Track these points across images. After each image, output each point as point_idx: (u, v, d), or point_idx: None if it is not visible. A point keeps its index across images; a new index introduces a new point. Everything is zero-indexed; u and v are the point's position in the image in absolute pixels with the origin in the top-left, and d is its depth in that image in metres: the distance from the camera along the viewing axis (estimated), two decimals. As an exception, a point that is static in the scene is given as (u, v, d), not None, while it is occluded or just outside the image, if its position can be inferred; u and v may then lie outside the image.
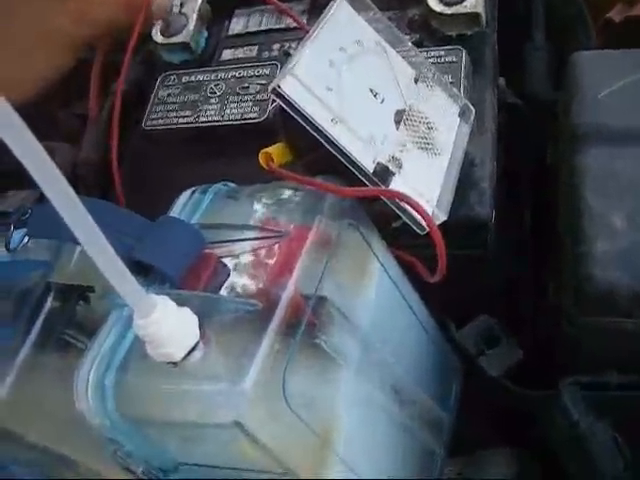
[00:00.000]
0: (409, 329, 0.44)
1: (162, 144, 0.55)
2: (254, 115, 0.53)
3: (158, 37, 0.58)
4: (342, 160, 0.39)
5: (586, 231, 0.43)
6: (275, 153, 0.41)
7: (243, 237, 0.38)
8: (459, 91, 0.49)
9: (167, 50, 0.58)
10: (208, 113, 0.54)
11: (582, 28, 0.57)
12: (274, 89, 0.38)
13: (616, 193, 0.44)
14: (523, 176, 0.56)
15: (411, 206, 0.37)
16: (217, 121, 0.53)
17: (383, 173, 0.39)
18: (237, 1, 0.61)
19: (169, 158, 0.54)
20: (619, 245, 0.42)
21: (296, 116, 0.38)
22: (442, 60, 0.51)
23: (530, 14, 0.59)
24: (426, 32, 0.53)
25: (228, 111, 0.53)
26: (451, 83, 0.49)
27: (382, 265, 0.41)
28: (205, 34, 0.59)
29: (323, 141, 0.39)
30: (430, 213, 0.39)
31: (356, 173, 0.39)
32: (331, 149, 0.39)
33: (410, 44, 0.46)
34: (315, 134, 0.39)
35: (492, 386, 0.50)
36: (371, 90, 0.42)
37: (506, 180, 0.53)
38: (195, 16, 0.58)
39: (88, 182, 0.59)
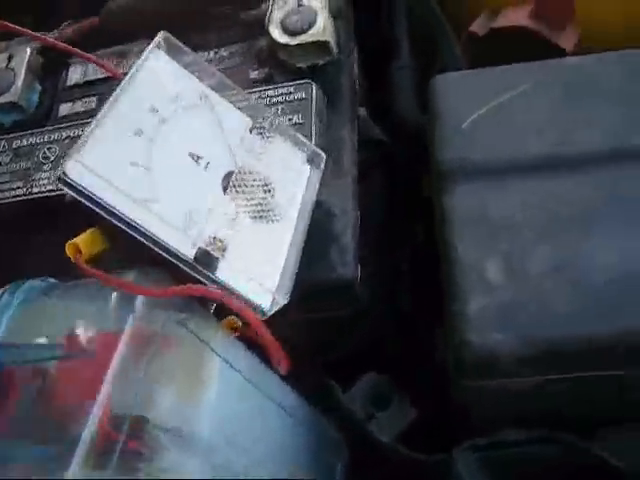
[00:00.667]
0: (266, 418, 0.39)
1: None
2: (89, 181, 0.46)
3: (-17, 98, 0.51)
4: (155, 249, 0.33)
5: (459, 285, 0.38)
6: (84, 243, 0.35)
7: (46, 356, 0.33)
8: (310, 132, 0.43)
9: (-5, 111, 0.52)
10: (41, 182, 0.47)
11: (445, 44, 0.51)
12: (60, 177, 0.32)
13: (488, 237, 0.39)
14: (398, 212, 0.50)
15: (232, 307, 0.32)
16: (51, 191, 0.47)
17: (206, 259, 0.34)
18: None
19: (3, 238, 0.48)
20: (496, 300, 0.37)
21: (91, 205, 0.33)
22: (291, 98, 0.45)
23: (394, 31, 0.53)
24: (275, 65, 0.48)
25: (63, 178, 0.47)
26: (300, 124, 0.44)
27: (224, 359, 0.35)
28: (38, 89, 0.53)
29: (128, 230, 0.33)
30: (267, 300, 0.34)
31: (175, 262, 0.34)
32: (139, 237, 0.33)
33: (241, 90, 0.41)
34: (117, 223, 0.33)
35: (384, 452, 0.45)
36: (192, 155, 0.37)
37: (381, 218, 0.48)
38: (24, 70, 0.52)
39: None
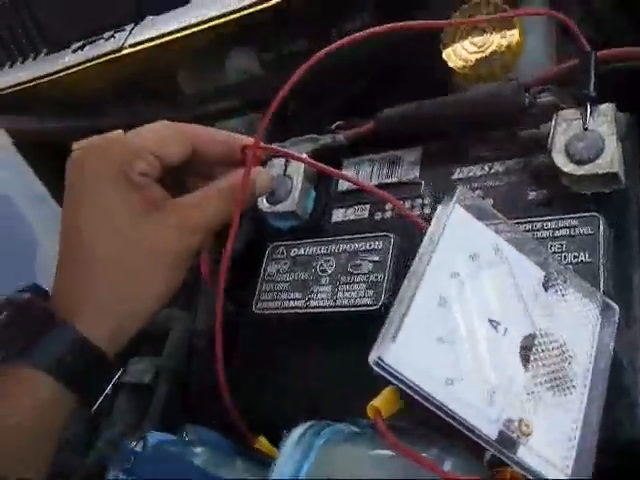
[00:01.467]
0: None
1: (272, 330, 0.51)
2: (368, 301, 0.47)
3: (264, 204, 0.55)
4: (455, 425, 0.34)
5: None
6: (384, 404, 0.36)
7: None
8: (598, 274, 0.42)
9: (274, 217, 0.55)
10: (319, 296, 0.50)
11: None
12: (376, 361, 0.34)
13: None
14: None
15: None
16: (329, 307, 0.49)
17: (508, 441, 0.34)
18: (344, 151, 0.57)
19: (281, 346, 0.51)
20: None
21: (403, 387, 0.34)
22: (575, 232, 0.44)
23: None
24: (556, 189, 0.47)
25: (340, 294, 0.49)
26: (587, 263, 0.42)
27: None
28: (312, 195, 0.55)
29: (434, 409, 0.34)
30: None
31: (477, 440, 0.34)
32: (441, 414, 0.34)
33: (536, 242, 0.40)
34: (425, 403, 0.34)
35: None
36: (491, 322, 0.37)
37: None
38: (301, 178, 0.54)
39: (201, 352, 0.57)
